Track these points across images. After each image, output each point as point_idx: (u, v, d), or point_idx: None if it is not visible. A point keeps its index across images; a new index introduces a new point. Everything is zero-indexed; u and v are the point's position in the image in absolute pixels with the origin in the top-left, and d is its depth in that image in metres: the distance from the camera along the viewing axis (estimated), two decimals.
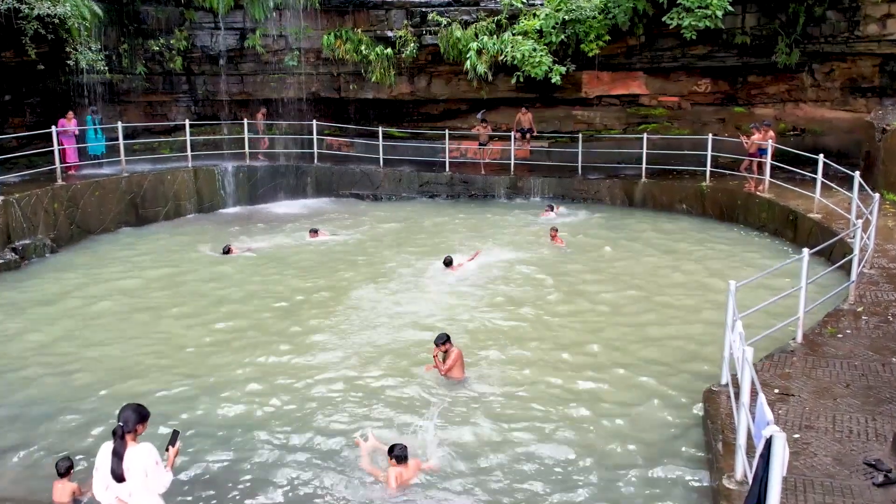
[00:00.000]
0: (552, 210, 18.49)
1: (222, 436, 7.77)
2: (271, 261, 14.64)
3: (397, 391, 8.80)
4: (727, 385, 7.33)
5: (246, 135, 20.46)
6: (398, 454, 6.81)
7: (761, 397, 5.01)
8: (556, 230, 15.52)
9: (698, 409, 7.98)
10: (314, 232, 16.26)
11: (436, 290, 12.54)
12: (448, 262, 13.50)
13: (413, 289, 12.69)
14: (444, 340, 8.87)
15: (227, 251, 14.89)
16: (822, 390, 7.36)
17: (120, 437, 4.90)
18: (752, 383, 5.53)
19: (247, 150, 20.48)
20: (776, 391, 7.32)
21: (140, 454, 4.94)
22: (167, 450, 5.25)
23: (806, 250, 8.49)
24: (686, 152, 19.19)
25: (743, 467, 5.80)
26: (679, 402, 8.40)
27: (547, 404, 8.43)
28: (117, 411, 5.11)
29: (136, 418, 4.99)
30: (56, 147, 16.10)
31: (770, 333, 8.44)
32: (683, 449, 7.44)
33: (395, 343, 10.28)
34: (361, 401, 8.54)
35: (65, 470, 6.41)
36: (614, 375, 9.20)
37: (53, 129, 16.19)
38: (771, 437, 4.54)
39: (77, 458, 6.99)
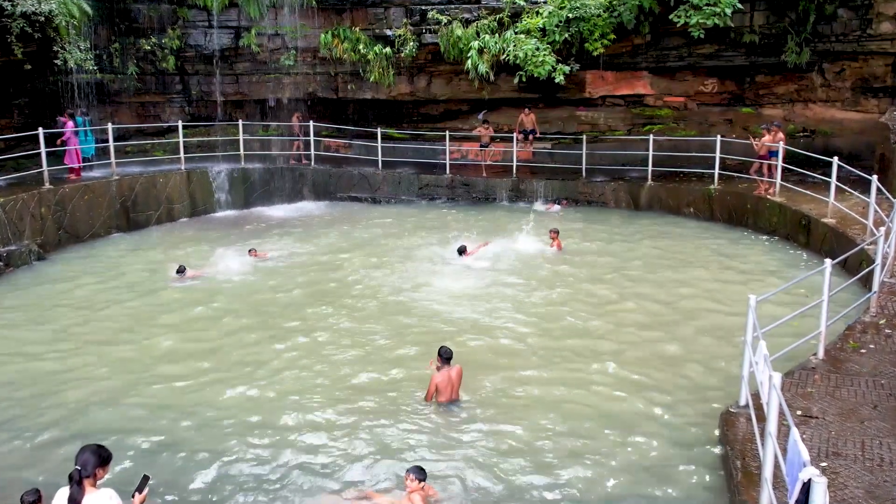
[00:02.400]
0: (556, 203, 18.07)
1: (197, 471, 7.18)
2: (241, 278, 13.39)
3: (393, 407, 8.35)
4: (746, 406, 6.87)
5: (241, 136, 19.99)
6: (417, 475, 6.31)
7: (795, 433, 4.52)
8: (557, 232, 14.94)
9: (714, 430, 7.50)
10: (254, 251, 14.64)
11: (425, 300, 12.04)
12: (461, 251, 13.95)
13: (400, 299, 12.20)
14: (448, 356, 8.36)
15: (181, 270, 13.26)
16: (847, 412, 6.87)
17: (77, 482, 4.36)
18: (780, 411, 5.06)
19: (242, 151, 20.00)
20: (798, 413, 6.84)
21: (100, 502, 4.41)
22: (133, 497, 4.68)
23: (828, 261, 8.00)
24: (693, 154, 18.74)
25: (769, 503, 5.32)
26: (692, 420, 7.95)
27: (549, 419, 8.02)
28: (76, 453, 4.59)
29: (95, 461, 4.45)
30: (44, 149, 15.56)
31: (790, 350, 7.95)
32: (698, 471, 6.97)
33: (386, 354, 9.87)
34: (353, 417, 8.08)
35: None
36: (618, 385, 8.80)
37: (40, 130, 15.68)
38: (810, 481, 4.06)
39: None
